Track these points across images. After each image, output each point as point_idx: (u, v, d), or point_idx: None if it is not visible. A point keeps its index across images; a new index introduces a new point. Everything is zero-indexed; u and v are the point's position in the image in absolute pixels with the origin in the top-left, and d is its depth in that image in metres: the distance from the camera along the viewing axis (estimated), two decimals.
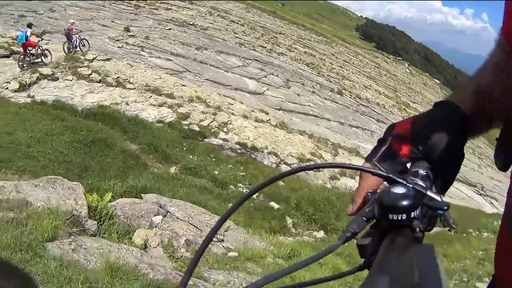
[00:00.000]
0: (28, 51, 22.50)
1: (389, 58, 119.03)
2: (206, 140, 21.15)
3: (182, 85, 26.09)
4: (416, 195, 0.71)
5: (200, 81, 29.55)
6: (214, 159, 18.75)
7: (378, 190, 0.84)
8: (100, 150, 14.76)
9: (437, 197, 0.74)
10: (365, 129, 35.86)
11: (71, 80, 22.07)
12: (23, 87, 20.36)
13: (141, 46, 32.10)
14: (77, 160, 13.37)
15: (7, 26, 28.92)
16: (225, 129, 22.87)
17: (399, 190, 0.72)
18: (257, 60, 40.96)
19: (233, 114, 24.85)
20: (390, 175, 0.78)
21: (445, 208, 0.73)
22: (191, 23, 44.83)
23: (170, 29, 39.74)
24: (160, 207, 8.17)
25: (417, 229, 0.67)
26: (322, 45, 75.46)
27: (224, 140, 21.81)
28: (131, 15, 40.75)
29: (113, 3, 43.54)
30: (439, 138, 0.85)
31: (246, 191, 15.21)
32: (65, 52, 25.02)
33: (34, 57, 22.95)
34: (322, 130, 30.13)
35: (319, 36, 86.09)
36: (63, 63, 23.42)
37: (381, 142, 0.92)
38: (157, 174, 14.21)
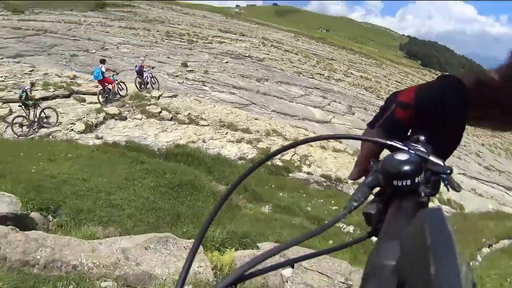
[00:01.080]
0: (105, 87, 22.13)
1: (437, 74, 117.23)
2: (291, 175, 19.82)
3: (255, 119, 24.59)
4: (419, 161, 0.70)
5: (267, 113, 28.22)
6: (304, 195, 17.52)
7: (380, 158, 0.80)
8: (189, 194, 13.39)
9: (440, 162, 0.72)
10: None
11: (141, 119, 20.75)
12: (89, 128, 19.23)
13: (202, 81, 31.11)
14: (166, 206, 11.86)
15: (60, 66, 28.77)
16: (307, 162, 21.61)
17: (402, 156, 0.70)
18: (317, 88, 39.59)
19: (311, 145, 23.28)
20: (392, 142, 0.76)
21: (448, 171, 0.71)
22: (247, 55, 43.77)
23: (227, 62, 38.77)
24: (281, 257, 6.83)
25: (422, 194, 0.68)
26: (374, 67, 74.42)
27: (308, 173, 20.45)
28: (185, 50, 39.96)
29: (166, 39, 42.93)
30: (441, 107, 0.83)
31: (343, 226, 14.37)
32: (137, 88, 24.51)
33: (111, 92, 22.57)
34: None
35: (369, 58, 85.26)
36: (129, 102, 22.26)
37: (383, 109, 0.89)
38: (251, 215, 13.18)
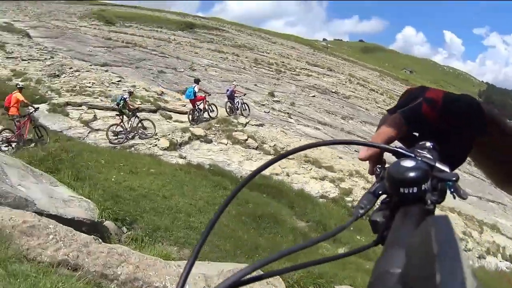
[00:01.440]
0: (196, 106, 22.39)
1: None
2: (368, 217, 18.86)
3: (339, 157, 23.98)
4: (425, 167, 0.68)
5: (350, 153, 27.57)
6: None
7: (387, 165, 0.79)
8: (269, 226, 13.14)
9: (446, 169, 0.71)
10: (499, 203, 33.27)
11: (226, 144, 20.65)
12: (173, 146, 19.26)
13: (288, 113, 30.93)
14: (245, 237, 11.60)
15: (147, 81, 29.33)
16: None
17: (408, 163, 0.68)
18: None
19: None
20: (398, 149, 0.75)
21: (455, 179, 0.69)
22: (333, 90, 43.44)
23: (313, 96, 38.56)
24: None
25: (429, 201, 0.66)
26: None
27: None
28: (273, 80, 40.07)
29: (254, 66, 43.18)
30: (466, 116, 0.83)
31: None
32: (226, 112, 24.53)
33: (202, 112, 22.81)
34: (466, 207, 27.30)
35: None
36: (216, 125, 22.21)
37: (407, 99, 0.87)
38: (327, 256, 12.20)
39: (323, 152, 23.45)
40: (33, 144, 17.01)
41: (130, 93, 21.12)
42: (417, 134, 0.84)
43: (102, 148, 16.90)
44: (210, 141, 20.64)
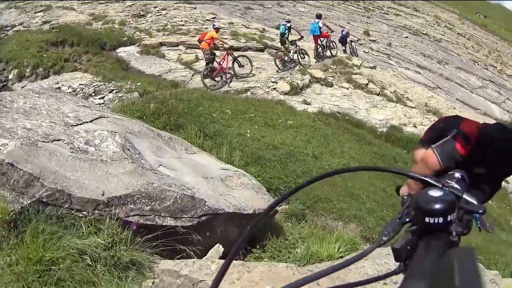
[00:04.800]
0: (319, 42, 21.36)
1: None
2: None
3: (453, 108, 22.68)
4: (452, 198, 0.70)
5: (452, 101, 26.12)
6: (508, 207, 15.58)
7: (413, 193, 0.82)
8: None
9: (474, 201, 0.72)
10: None
11: (348, 89, 19.41)
12: (294, 90, 17.96)
13: (386, 54, 29.66)
14: None
15: (234, 17, 28.15)
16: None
17: (435, 193, 0.70)
18: (492, 82, 36.43)
19: None
20: (427, 178, 0.76)
21: (481, 211, 0.71)
22: (424, 32, 41.30)
23: (406, 37, 36.79)
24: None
25: (454, 233, 0.67)
26: None
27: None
28: (363, 18, 38.43)
29: (342, 3, 41.44)
30: (498, 159, 0.81)
31: None
32: (345, 53, 24.16)
33: (325, 49, 21.86)
34: None
35: None
36: (332, 67, 20.92)
37: (441, 130, 0.86)
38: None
39: (438, 101, 22.37)
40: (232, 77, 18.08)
41: (288, 21, 20.10)
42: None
43: (221, 94, 15.63)
44: (331, 85, 19.51)
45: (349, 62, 22.27)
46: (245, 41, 22.32)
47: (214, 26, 18.11)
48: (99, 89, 15.49)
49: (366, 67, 22.79)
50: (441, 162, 0.79)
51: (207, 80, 17.27)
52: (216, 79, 17.51)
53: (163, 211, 4.70)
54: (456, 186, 0.73)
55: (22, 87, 16.47)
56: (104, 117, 6.29)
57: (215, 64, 17.65)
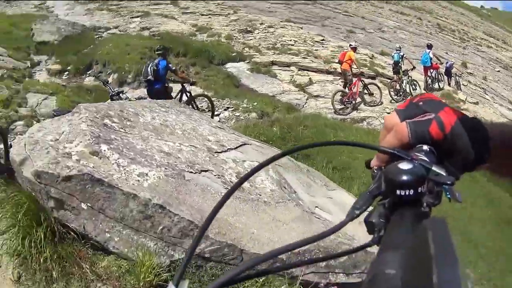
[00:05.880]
0: (429, 74, 21.70)
1: None
2: None
3: None
4: (422, 170, 0.71)
5: None
6: None
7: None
8: None
9: (442, 172, 0.74)
10: None
11: None
12: None
13: (482, 88, 29.65)
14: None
15: (336, 40, 28.28)
16: None
17: (405, 166, 0.71)
18: None
19: None
20: (396, 151, 0.78)
21: (450, 182, 0.73)
22: None
23: (498, 71, 36.76)
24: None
25: (425, 204, 0.68)
26: None
27: None
28: (459, 49, 38.56)
29: (439, 32, 41.79)
30: (464, 154, 0.84)
31: None
32: (449, 86, 24.14)
33: (434, 80, 22.16)
34: None
35: None
36: (442, 100, 21.47)
37: (419, 109, 0.89)
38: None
39: None
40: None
41: (399, 49, 20.20)
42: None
43: (342, 123, 14.81)
44: None
45: (456, 96, 22.46)
46: (355, 67, 22.29)
47: (351, 45, 18.34)
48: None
49: (470, 103, 22.88)
50: (410, 137, 0.83)
51: (337, 104, 17.00)
52: (346, 104, 17.22)
53: (337, 268, 4.26)
54: (424, 158, 0.77)
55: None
56: (248, 144, 5.99)
57: (346, 89, 17.61)
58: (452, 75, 25.12)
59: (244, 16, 29.66)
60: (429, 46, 22.05)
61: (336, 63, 18.81)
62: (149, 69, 11.70)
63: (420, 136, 0.84)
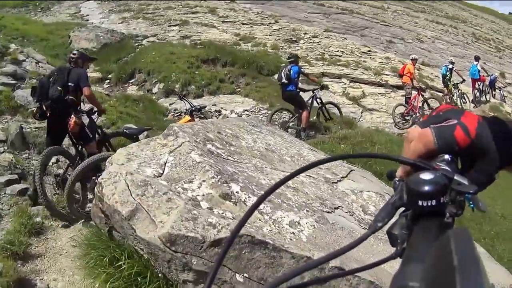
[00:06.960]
0: (477, 87, 21.29)
1: None
2: None
3: None
4: (444, 180, 0.70)
5: None
6: None
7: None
8: None
9: (465, 181, 0.73)
10: None
11: None
12: None
13: None
14: None
15: (378, 50, 27.95)
16: None
17: (427, 176, 0.70)
18: None
19: None
20: (417, 162, 0.77)
21: (473, 191, 0.72)
22: None
23: None
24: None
25: (448, 214, 0.68)
26: None
27: None
28: (495, 58, 38.05)
29: (475, 41, 41.51)
30: (491, 146, 0.83)
31: None
32: (494, 98, 23.53)
33: (481, 93, 21.73)
34: None
35: None
36: (489, 113, 20.30)
37: (439, 117, 0.90)
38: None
39: None
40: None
41: (452, 63, 19.91)
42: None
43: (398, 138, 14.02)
44: None
45: (503, 109, 22.02)
46: (415, 81, 20.32)
47: (411, 57, 18.15)
48: (272, 119, 13.44)
49: None
50: (436, 142, 0.83)
51: (397, 117, 16.67)
52: (406, 118, 16.64)
53: None
54: (446, 168, 0.77)
55: (170, 104, 15.70)
56: (353, 169, 5.50)
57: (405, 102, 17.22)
58: (496, 87, 24.58)
59: (286, 25, 29.12)
60: (477, 58, 21.89)
61: (396, 76, 18.88)
62: (283, 74, 12.56)
63: (445, 141, 0.85)
